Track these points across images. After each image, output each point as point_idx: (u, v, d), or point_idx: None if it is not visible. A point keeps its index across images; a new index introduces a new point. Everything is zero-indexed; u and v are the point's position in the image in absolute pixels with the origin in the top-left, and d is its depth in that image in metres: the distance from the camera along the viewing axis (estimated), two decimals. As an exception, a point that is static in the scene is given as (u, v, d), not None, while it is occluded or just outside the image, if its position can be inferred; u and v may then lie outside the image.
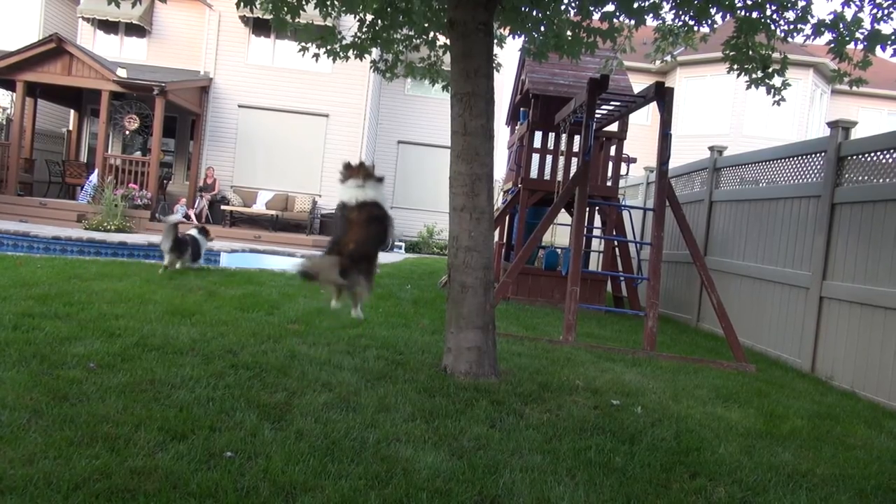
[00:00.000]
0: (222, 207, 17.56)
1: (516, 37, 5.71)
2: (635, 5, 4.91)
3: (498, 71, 7.66)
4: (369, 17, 6.35)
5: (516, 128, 12.22)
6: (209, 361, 4.31)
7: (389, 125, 22.08)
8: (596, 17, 5.46)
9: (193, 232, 8.91)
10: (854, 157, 6.38)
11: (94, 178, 16.14)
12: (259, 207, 17.95)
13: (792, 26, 5.91)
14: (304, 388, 3.97)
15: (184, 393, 3.63)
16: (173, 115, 18.84)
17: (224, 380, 3.95)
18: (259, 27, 18.71)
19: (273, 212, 17.58)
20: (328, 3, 5.83)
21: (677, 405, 4.55)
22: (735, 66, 6.35)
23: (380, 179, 4.16)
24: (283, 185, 18.70)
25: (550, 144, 10.44)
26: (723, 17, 6.52)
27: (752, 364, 6.37)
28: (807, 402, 5.16)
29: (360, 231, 3.97)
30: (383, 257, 15.76)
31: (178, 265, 8.44)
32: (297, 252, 14.20)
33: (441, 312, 6.35)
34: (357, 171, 4.12)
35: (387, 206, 4.16)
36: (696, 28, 6.53)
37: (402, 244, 20.70)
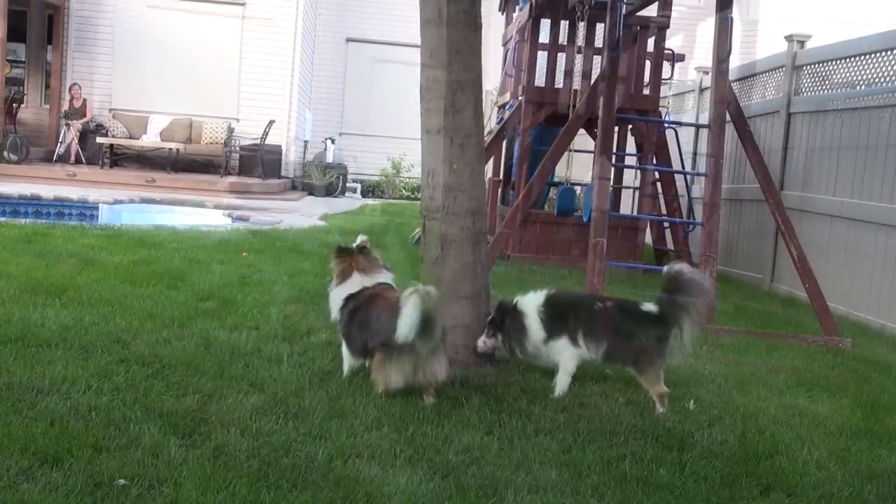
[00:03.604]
0: (98, 140, 17.32)
1: None
2: None
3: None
4: None
5: (514, 16, 12.11)
6: (89, 356, 4.30)
7: (334, 16, 21.76)
8: None
9: None
10: None
11: (-90, 102, 15.84)
12: (151, 139, 17.74)
13: None
14: (224, 388, 3.99)
15: (55, 400, 3.63)
16: (21, 9, 18.39)
17: (111, 380, 3.95)
18: None
19: (172, 145, 17.39)
20: None
21: (744, 396, 4.63)
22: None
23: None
24: (185, 107, 18.42)
25: (563, 39, 10.36)
26: None
27: (848, 338, 6.48)
28: (921, 387, 5.28)
29: None
30: (332, 204, 15.72)
31: None
32: (207, 201, 14.13)
33: (414, 278, 6.37)
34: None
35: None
36: None
37: (358, 186, 20.64)
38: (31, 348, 4.34)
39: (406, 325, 3.83)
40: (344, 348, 4.46)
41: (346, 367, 4.44)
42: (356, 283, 4.45)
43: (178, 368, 4.23)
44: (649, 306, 4.46)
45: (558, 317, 4.51)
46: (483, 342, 4.65)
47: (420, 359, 3.97)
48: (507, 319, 4.57)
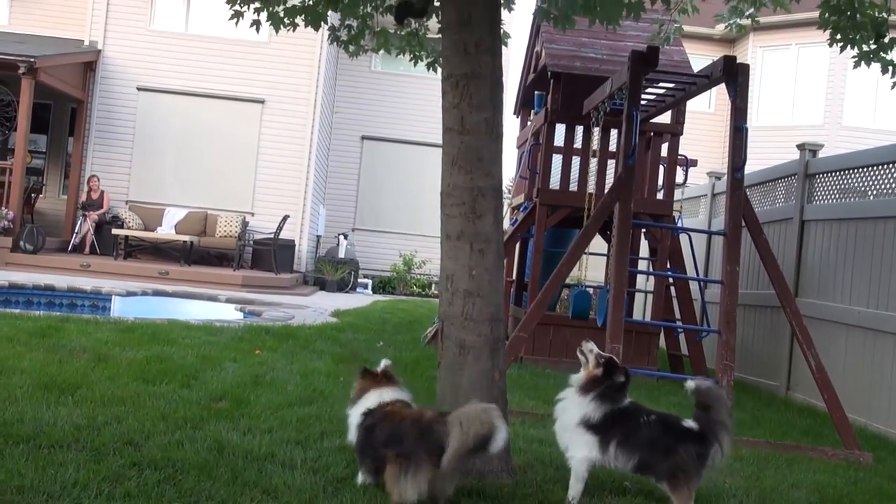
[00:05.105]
0: (114, 232, 17.50)
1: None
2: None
3: (506, 45, 7.73)
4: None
5: (529, 119, 12.31)
6: (100, 458, 4.25)
7: (350, 114, 22.21)
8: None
9: None
10: None
11: (-68, 191, 16.06)
12: (166, 231, 17.92)
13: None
14: (237, 494, 3.92)
15: (65, 506, 3.57)
16: (46, 102, 18.84)
17: (123, 485, 3.89)
18: (167, -21, 18.91)
19: (186, 237, 17.55)
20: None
21: (766, 513, 4.54)
22: (838, 38, 6.43)
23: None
24: (201, 200, 18.70)
25: (578, 142, 10.50)
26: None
27: (868, 452, 6.38)
28: (947, 505, 5.16)
29: None
30: (344, 300, 15.74)
31: None
32: (220, 294, 14.16)
33: (427, 381, 6.32)
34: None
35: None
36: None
37: (369, 281, 20.69)
38: (43, 449, 4.30)
39: (502, 439, 3.86)
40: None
41: (360, 477, 4.37)
42: (373, 398, 4.42)
43: (191, 473, 4.17)
44: (690, 423, 4.40)
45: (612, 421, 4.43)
46: (591, 349, 4.73)
47: (437, 474, 3.90)
48: (607, 383, 4.50)
